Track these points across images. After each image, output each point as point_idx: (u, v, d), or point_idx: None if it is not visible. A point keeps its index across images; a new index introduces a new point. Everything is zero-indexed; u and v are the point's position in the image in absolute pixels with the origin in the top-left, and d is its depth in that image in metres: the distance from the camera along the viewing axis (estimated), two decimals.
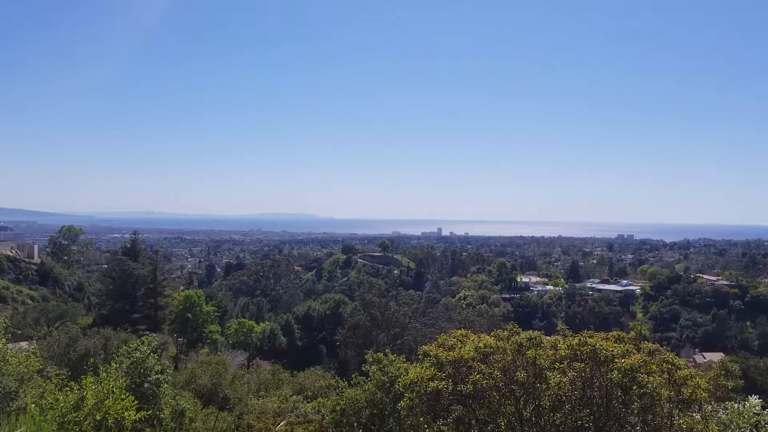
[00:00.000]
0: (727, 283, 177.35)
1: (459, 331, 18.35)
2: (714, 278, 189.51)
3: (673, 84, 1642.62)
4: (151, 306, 70.41)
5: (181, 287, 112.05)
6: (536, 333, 16.48)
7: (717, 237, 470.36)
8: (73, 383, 13.73)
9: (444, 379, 15.54)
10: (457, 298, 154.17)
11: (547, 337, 17.35)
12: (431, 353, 16.69)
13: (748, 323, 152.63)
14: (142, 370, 17.56)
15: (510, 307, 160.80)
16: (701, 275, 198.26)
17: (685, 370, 13.91)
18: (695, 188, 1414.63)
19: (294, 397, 29.15)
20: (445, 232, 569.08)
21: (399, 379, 19.61)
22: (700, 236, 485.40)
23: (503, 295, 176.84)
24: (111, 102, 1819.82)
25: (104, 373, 14.00)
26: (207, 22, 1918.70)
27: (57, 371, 24.12)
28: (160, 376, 18.06)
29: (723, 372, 15.61)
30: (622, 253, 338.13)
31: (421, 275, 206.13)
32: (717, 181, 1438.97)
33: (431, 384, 15.36)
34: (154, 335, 23.22)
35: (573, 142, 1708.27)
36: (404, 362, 23.94)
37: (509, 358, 15.51)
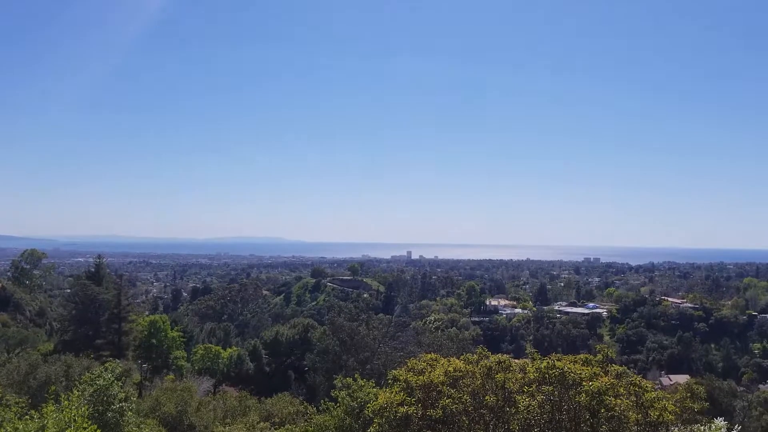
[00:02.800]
0: (692, 305, 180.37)
1: (429, 355, 18.34)
2: (679, 301, 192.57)
3: (634, 109, 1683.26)
4: (115, 331, 69.06)
5: (146, 312, 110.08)
6: (505, 356, 16.55)
7: (681, 260, 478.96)
8: (33, 412, 13.38)
9: (414, 404, 15.47)
10: (426, 321, 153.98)
11: (516, 361, 17.42)
12: (401, 378, 16.64)
13: (713, 345, 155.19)
14: (105, 398, 17.18)
15: (479, 330, 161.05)
16: (666, 298, 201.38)
17: (652, 393, 14.07)
18: (659, 212, 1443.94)
19: (261, 424, 28.75)
20: (415, 256, 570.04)
21: (368, 405, 19.48)
22: (664, 259, 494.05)
23: (473, 319, 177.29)
24: (74, 122, 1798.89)
25: (66, 401, 13.67)
26: (168, 50, 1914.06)
27: (16, 399, 23.39)
28: (123, 404, 17.69)
29: (689, 394, 15.83)
30: (589, 276, 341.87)
31: (390, 299, 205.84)
32: (681, 205, 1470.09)
33: (401, 409, 15.27)
34: (118, 361, 22.82)
35: (540, 168, 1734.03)
36: (374, 387, 23.80)
37: (478, 382, 15.53)
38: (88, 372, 20.32)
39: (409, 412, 15.16)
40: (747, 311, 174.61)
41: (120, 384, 18.72)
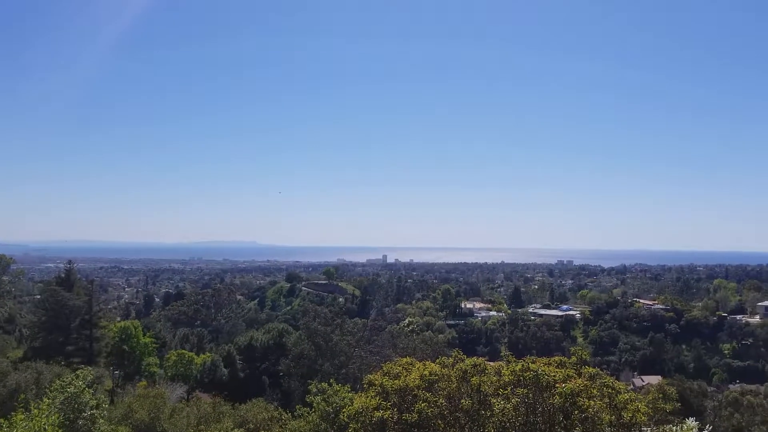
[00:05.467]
0: (663, 307, 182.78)
1: (404, 359, 18.35)
2: (650, 302, 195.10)
3: (602, 114, 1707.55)
4: (87, 338, 68.05)
5: (118, 318, 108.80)
6: (480, 359, 16.62)
7: (652, 262, 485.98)
8: (2, 420, 13.13)
9: (389, 409, 15.46)
10: (401, 325, 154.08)
11: (492, 363, 17.51)
12: (376, 382, 16.62)
13: (684, 346, 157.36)
14: (76, 406, 16.92)
15: (455, 333, 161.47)
16: (638, 300, 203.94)
17: (625, 394, 14.22)
18: (630, 215, 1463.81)
19: (236, 430, 28.53)
20: (391, 259, 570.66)
21: (344, 410, 19.42)
22: (636, 261, 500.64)
23: (448, 322, 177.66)
24: (38, 124, 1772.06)
25: (36, 410, 13.44)
26: (139, 48, 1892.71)
27: None
28: (95, 411, 17.44)
29: (661, 395, 16.05)
30: (563, 279, 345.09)
31: (366, 303, 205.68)
32: (651, 208, 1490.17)
33: (376, 414, 15.25)
34: (89, 368, 22.50)
35: (513, 172, 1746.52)
36: (349, 392, 23.76)
37: (454, 385, 15.57)
38: (58, 379, 19.98)
39: (385, 417, 15.14)
40: (717, 312, 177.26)
41: (91, 391, 18.47)
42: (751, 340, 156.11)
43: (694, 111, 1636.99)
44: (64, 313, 67.76)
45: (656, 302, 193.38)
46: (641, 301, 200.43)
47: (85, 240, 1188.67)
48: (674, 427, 15.78)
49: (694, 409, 54.47)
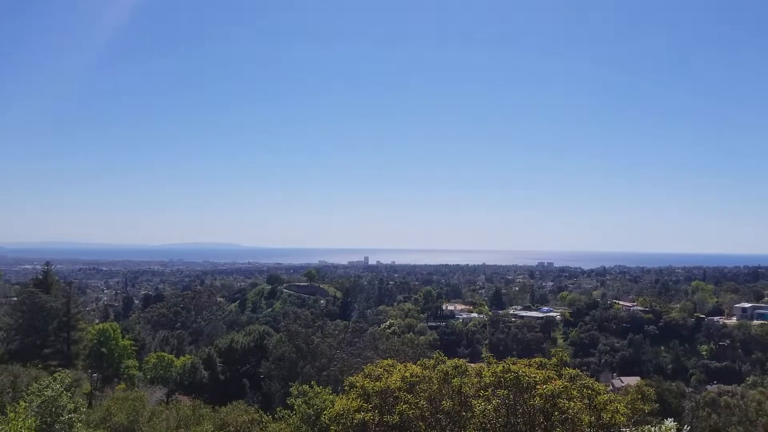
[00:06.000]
0: (642, 308, 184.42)
1: (385, 361, 18.36)
2: (629, 304, 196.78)
3: (580, 116, 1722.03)
4: (64, 340, 67.34)
5: (97, 320, 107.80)
6: (461, 361, 16.66)
7: (632, 264, 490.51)
8: None
9: (370, 410, 15.46)
10: (383, 327, 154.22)
11: (473, 365, 17.57)
12: (357, 384, 16.60)
13: (662, 347, 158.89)
14: (54, 409, 16.70)
15: (436, 335, 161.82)
16: (617, 301, 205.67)
17: (605, 395, 14.34)
18: (610, 218, 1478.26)
19: None
20: (372, 261, 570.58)
21: (325, 412, 19.38)
22: (615, 263, 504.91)
23: (429, 324, 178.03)
24: (15, 128, 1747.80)
25: (12, 413, 13.25)
26: (122, 50, 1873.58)
27: None
28: (73, 415, 17.23)
29: (640, 396, 16.17)
30: (543, 280, 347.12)
31: (347, 305, 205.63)
32: (631, 211, 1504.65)
33: (357, 416, 15.24)
34: (67, 371, 22.24)
35: (494, 175, 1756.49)
36: (330, 394, 23.71)
37: (435, 387, 15.60)
38: (35, 382, 19.74)
39: (366, 419, 15.14)
40: (695, 314, 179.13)
41: (69, 394, 18.24)
42: (728, 342, 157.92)
43: (671, 114, 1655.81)
44: (41, 316, 66.99)
45: (635, 304, 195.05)
46: (620, 302, 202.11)
47: (63, 242, 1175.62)
48: (653, 428, 15.93)
49: (673, 410, 55.00)
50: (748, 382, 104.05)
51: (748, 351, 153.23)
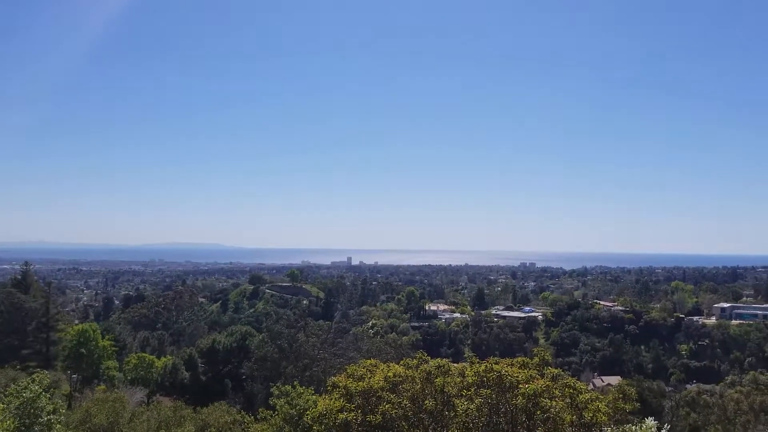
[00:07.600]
0: (623, 308, 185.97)
1: (368, 361, 18.35)
2: (610, 304, 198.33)
3: (563, 116, 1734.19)
4: (43, 341, 66.70)
5: (76, 321, 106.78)
6: (444, 361, 16.68)
7: (612, 264, 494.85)
8: None
9: (353, 410, 15.43)
10: (366, 327, 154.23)
11: (455, 365, 17.59)
12: (340, 384, 16.57)
13: (642, 347, 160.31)
14: (32, 411, 16.48)
15: (419, 335, 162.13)
16: (598, 301, 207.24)
17: (586, 395, 14.41)
18: (590, 219, 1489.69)
19: None
20: (355, 262, 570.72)
21: (307, 412, 19.31)
22: (596, 264, 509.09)
23: (412, 324, 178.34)
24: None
25: None
26: (114, 53, 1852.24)
27: None
28: (52, 416, 17.01)
29: (621, 395, 16.27)
30: (525, 281, 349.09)
31: (330, 305, 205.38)
32: (611, 211, 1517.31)
33: (340, 416, 15.21)
34: (46, 372, 21.95)
35: (476, 175, 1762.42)
36: (313, 394, 23.64)
37: (418, 386, 15.60)
38: (13, 384, 19.46)
39: (349, 419, 15.11)
40: (675, 314, 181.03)
41: (48, 396, 18.00)
42: (707, 341, 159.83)
43: (654, 112, 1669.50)
44: (20, 316, 66.34)
45: (616, 304, 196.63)
46: (601, 302, 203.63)
47: (42, 241, 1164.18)
48: (634, 427, 16.03)
49: (653, 409, 55.42)
50: (727, 381, 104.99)
51: (727, 350, 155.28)
